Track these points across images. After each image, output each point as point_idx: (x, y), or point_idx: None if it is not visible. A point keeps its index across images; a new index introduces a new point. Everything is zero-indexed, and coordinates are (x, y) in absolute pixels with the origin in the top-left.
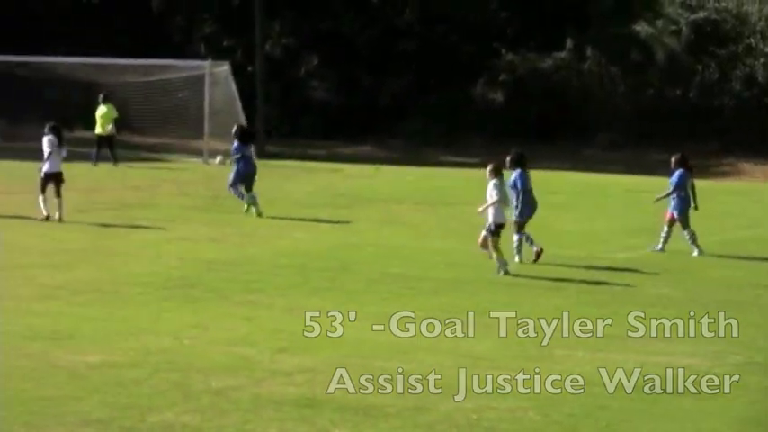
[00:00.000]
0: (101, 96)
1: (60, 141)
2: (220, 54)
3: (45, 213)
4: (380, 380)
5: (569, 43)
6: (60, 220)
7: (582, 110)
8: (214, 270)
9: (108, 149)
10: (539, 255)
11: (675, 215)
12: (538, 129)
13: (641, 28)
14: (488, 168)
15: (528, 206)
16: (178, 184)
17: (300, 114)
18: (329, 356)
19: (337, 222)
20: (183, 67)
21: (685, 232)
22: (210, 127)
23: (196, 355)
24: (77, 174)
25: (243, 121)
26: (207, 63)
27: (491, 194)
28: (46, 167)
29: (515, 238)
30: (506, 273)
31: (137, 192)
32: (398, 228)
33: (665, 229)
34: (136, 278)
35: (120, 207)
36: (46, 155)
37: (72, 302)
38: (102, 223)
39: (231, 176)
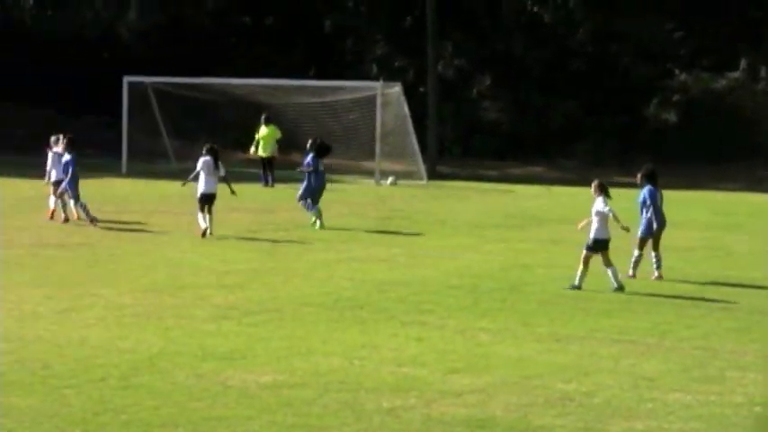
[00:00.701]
0: (263, 117)
1: (216, 163)
2: (392, 75)
3: (203, 227)
4: (551, 400)
5: (743, 63)
6: (210, 233)
7: (755, 130)
8: (384, 291)
9: (268, 170)
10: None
11: None
12: (711, 149)
13: None
14: (593, 185)
15: (654, 223)
16: (349, 204)
17: (472, 135)
18: (500, 377)
19: (508, 243)
20: (354, 88)
21: None
22: (382, 148)
23: (366, 375)
24: (248, 195)
25: (415, 142)
26: (379, 84)
27: (597, 211)
28: (202, 188)
29: (635, 253)
30: (575, 288)
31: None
32: (570, 248)
33: None
34: (306, 299)
35: (291, 228)
36: (200, 176)
37: (243, 323)
38: (274, 244)
39: (302, 190)
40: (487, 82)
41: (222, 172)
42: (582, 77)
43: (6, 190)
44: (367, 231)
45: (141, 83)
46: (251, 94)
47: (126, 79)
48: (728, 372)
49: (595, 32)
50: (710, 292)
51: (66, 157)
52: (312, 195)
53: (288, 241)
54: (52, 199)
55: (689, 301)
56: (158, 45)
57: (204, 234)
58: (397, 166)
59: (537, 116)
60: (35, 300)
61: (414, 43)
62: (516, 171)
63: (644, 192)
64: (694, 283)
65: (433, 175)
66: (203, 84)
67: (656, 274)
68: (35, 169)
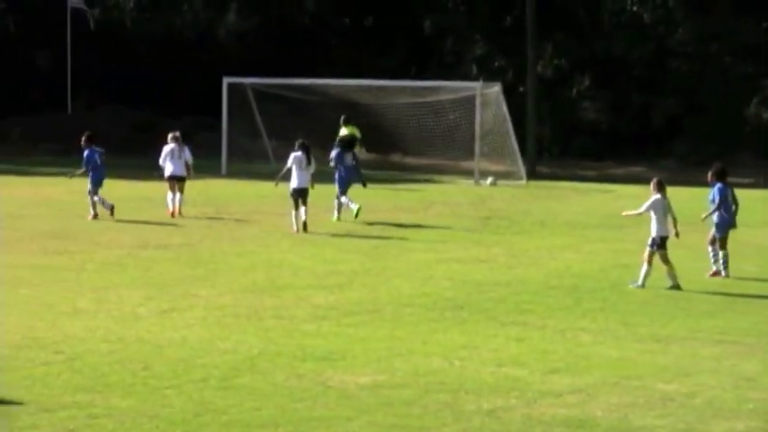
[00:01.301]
0: (342, 118)
1: (309, 158)
2: (491, 75)
3: (295, 228)
4: (652, 401)
5: None
6: (305, 230)
7: None
8: (484, 291)
9: None
10: (715, 274)
11: None
12: None
13: None
14: (653, 182)
15: (726, 221)
16: (449, 205)
17: (571, 135)
18: (601, 377)
19: (608, 243)
20: (454, 89)
21: None
22: (481, 148)
23: (466, 375)
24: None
25: (514, 142)
26: (478, 84)
27: (645, 206)
28: (294, 184)
29: (721, 254)
30: (677, 288)
31: (408, 213)
32: (671, 248)
33: None
34: (406, 299)
35: (391, 228)
36: (293, 171)
37: (343, 323)
38: (374, 244)
39: (337, 185)
40: (587, 82)
41: (312, 168)
42: (682, 77)
43: (106, 191)
44: (466, 231)
45: (241, 84)
46: (350, 95)
47: (225, 80)
48: None
49: (695, 32)
50: None
51: (85, 152)
52: (342, 186)
53: (387, 240)
54: (170, 196)
55: None
56: (257, 46)
57: (297, 231)
58: (497, 167)
59: (636, 116)
60: (136, 300)
61: (513, 43)
62: (616, 171)
63: (714, 190)
64: (728, 276)
65: (533, 175)
66: (302, 85)
67: (712, 270)
68: (133, 170)
